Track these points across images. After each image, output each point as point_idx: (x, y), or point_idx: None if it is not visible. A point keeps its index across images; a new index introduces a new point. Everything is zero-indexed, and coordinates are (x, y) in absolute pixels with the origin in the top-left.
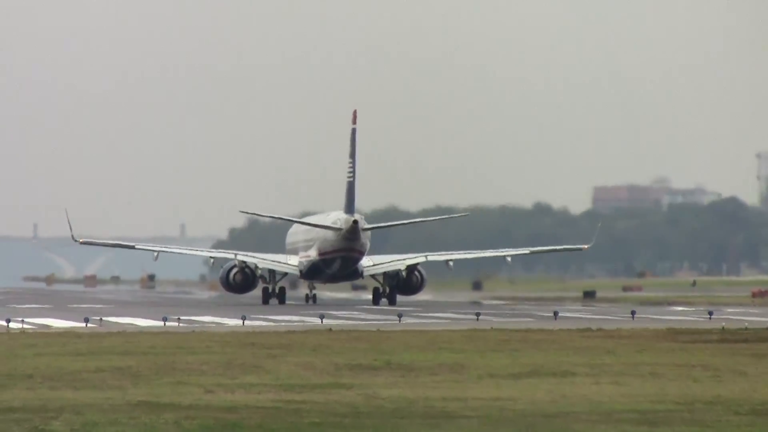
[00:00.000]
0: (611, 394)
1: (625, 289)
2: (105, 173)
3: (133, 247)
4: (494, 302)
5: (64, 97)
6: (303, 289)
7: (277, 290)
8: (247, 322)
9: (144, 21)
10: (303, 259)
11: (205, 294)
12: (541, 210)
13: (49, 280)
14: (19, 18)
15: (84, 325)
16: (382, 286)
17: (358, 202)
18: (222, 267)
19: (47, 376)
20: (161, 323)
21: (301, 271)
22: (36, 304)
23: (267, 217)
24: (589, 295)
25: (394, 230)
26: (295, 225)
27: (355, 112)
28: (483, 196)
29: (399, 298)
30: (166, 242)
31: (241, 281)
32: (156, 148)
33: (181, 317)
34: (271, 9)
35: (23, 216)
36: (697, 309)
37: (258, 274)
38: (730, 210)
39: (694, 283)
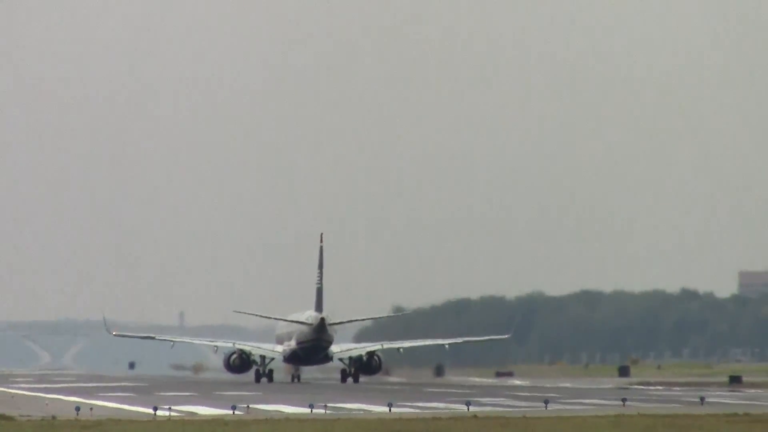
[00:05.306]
0: None
1: None
2: (250, 259)
3: (153, 338)
4: (641, 387)
5: (217, 191)
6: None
7: (266, 371)
8: (393, 409)
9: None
10: (286, 347)
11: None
12: (688, 295)
13: (196, 368)
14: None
15: (231, 412)
16: (348, 368)
17: (501, 285)
18: (224, 353)
19: None
20: (308, 410)
21: (284, 357)
22: (182, 391)
23: (256, 315)
24: (735, 380)
25: (539, 313)
26: (281, 321)
27: (321, 235)
28: (626, 280)
29: (362, 378)
30: None
31: (239, 364)
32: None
33: (328, 404)
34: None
35: (170, 304)
36: None
37: (251, 359)
38: None
39: None
